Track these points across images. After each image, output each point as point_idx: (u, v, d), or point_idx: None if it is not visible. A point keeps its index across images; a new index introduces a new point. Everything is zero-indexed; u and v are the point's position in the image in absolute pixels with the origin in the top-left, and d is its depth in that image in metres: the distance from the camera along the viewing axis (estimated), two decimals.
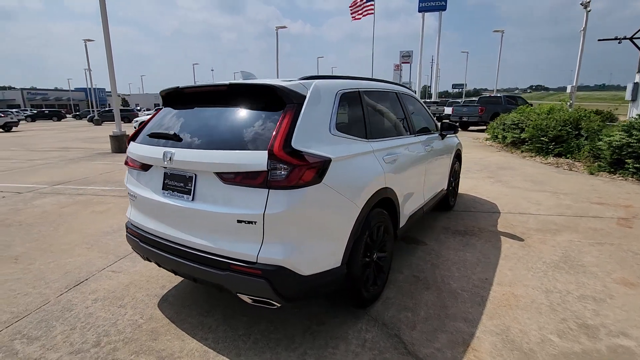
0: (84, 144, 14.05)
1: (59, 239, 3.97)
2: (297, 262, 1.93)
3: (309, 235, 1.98)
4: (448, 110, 19.57)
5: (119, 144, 11.54)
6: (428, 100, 27.74)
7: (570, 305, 2.57)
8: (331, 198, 2.04)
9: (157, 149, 2.24)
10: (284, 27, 28.09)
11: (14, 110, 39.29)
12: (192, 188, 2.08)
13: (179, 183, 2.15)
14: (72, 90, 75.84)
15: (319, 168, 1.96)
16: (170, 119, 2.44)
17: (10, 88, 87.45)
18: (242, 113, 2.13)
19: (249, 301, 2.03)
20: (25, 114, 40.53)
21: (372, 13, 28.85)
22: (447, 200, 4.62)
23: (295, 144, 1.92)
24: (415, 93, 5.43)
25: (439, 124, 4.14)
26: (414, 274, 3.10)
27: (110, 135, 11.65)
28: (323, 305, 2.60)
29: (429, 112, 4.14)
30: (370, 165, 2.43)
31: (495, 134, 12.17)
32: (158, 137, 2.34)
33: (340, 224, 2.13)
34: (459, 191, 5.75)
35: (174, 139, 2.21)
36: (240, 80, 2.22)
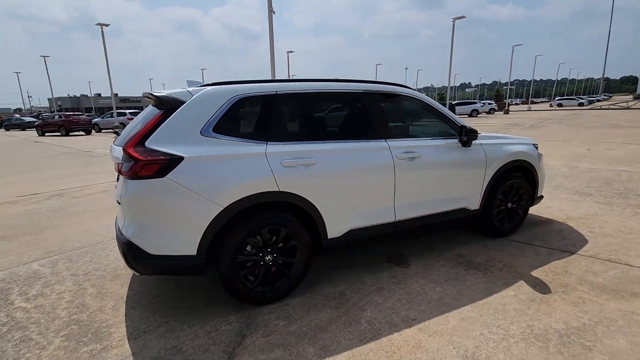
0: None
1: None
2: (142, 241, 2.30)
3: (154, 221, 2.30)
4: None
5: None
6: None
7: None
8: (178, 193, 2.28)
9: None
10: (462, 17, 25.80)
11: None
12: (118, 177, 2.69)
13: None
14: None
15: (162, 165, 2.24)
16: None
17: None
18: (148, 117, 2.60)
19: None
20: None
21: None
22: (488, 223, 3.70)
23: (150, 143, 2.28)
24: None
25: (461, 128, 3.37)
26: (332, 293, 2.83)
27: None
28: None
29: (448, 115, 3.43)
30: (251, 167, 2.45)
31: None
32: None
33: (191, 218, 2.32)
34: (550, 216, 4.38)
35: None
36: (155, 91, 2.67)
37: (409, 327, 2.36)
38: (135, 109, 32.69)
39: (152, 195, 2.27)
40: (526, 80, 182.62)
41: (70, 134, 23.64)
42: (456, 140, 3.34)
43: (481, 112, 34.08)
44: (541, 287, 2.81)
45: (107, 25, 22.84)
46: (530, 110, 41.78)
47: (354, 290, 2.85)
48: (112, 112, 25.09)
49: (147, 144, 2.28)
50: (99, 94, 71.47)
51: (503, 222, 3.84)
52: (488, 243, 3.72)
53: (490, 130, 17.07)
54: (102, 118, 26.75)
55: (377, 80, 3.33)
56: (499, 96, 63.65)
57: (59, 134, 23.51)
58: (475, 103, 34.85)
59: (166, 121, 2.35)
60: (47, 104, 72.06)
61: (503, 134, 4.26)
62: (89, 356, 2.17)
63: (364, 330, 2.34)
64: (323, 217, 2.74)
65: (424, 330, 2.32)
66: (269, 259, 2.62)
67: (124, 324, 2.48)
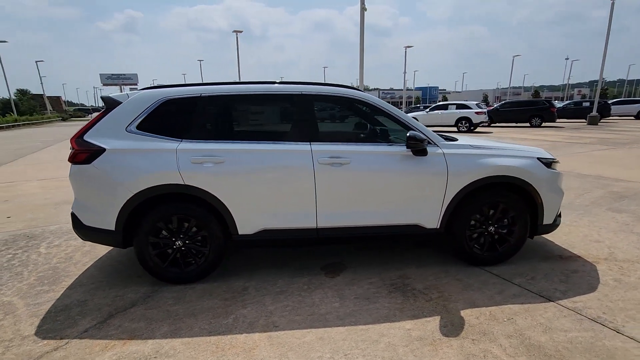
0: None
1: None
2: (79, 213, 2.90)
3: (86, 198, 2.87)
4: None
5: None
6: None
7: None
8: (100, 177, 2.78)
9: None
10: None
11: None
12: None
13: None
14: (412, 90, 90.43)
15: (88, 154, 2.77)
16: None
17: (371, 89, 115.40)
18: None
19: None
20: None
21: None
22: (457, 246, 3.19)
23: (89, 137, 2.85)
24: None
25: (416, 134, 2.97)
26: (237, 287, 2.93)
27: None
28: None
29: (403, 120, 3.08)
30: (160, 161, 2.77)
31: None
32: None
33: (109, 199, 2.80)
34: (582, 252, 3.48)
35: None
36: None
37: (262, 332, 2.35)
38: None
39: (83, 177, 2.84)
40: None
41: None
42: (403, 148, 2.98)
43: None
44: (451, 329, 2.36)
45: (241, 31, 26.36)
46: None
47: (257, 289, 2.93)
48: None
49: (85, 136, 2.85)
50: None
51: (482, 248, 3.23)
52: (453, 269, 3.21)
53: None
54: None
55: (326, 82, 3.23)
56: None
57: None
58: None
59: (102, 119, 2.88)
60: None
61: (501, 142, 3.54)
62: (36, 292, 2.89)
63: (224, 324, 2.45)
64: (232, 213, 2.89)
65: (271, 338, 2.29)
66: (179, 245, 2.93)
67: (76, 277, 3.16)
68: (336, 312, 2.57)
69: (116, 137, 2.84)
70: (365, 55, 13.63)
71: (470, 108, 18.32)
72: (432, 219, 3.09)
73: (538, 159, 3.21)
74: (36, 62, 49.30)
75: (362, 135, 3.23)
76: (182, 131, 2.90)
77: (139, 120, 2.87)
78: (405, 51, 36.36)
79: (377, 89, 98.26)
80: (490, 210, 3.17)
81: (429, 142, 3.05)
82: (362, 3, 13.10)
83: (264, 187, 2.89)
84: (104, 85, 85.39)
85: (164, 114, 2.94)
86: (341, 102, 3.16)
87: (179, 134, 2.89)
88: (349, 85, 3.24)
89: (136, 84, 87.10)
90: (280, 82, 3.09)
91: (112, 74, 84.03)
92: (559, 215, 3.53)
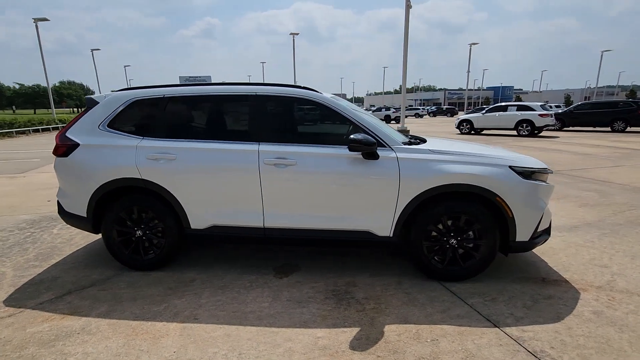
0: None
1: None
2: (61, 200, 3.30)
3: (65, 187, 3.25)
4: None
5: None
6: None
7: None
8: (74, 168, 3.13)
9: None
10: None
11: (419, 107, 50.88)
12: None
13: None
14: (483, 89, 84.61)
15: (65, 148, 3.13)
16: None
17: (437, 89, 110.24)
18: None
19: None
20: (428, 110, 51.30)
21: None
22: (413, 257, 2.99)
23: (69, 133, 3.21)
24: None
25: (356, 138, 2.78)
26: (187, 277, 3.06)
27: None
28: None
29: (359, 122, 2.97)
30: (121, 156, 3.02)
31: None
32: None
33: (80, 188, 3.12)
34: (575, 276, 3.07)
35: None
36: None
37: (180, 323, 2.46)
38: None
39: (62, 168, 3.21)
40: None
41: None
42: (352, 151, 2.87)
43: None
44: (363, 343, 2.24)
45: (297, 34, 27.03)
46: None
47: (203, 282, 3.05)
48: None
49: (67, 133, 3.22)
50: None
51: (443, 262, 2.99)
52: (408, 282, 3.02)
53: None
54: None
55: (284, 83, 3.24)
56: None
57: None
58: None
59: (82, 117, 3.23)
60: None
61: (482, 148, 3.22)
62: (28, 266, 3.35)
63: (154, 311, 2.61)
64: (184, 208, 3.06)
65: (184, 330, 2.38)
66: (140, 234, 3.18)
67: (64, 257, 3.58)
68: (260, 312, 2.58)
69: (90, 134, 3.17)
70: (434, 53, 13.32)
71: (533, 110, 16.65)
72: (383, 227, 2.94)
73: (510, 167, 2.86)
74: (124, 66, 55.65)
75: (312, 136, 3.18)
76: (144, 130, 3.13)
77: (110, 119, 3.17)
78: (470, 48, 34.07)
79: (444, 89, 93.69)
80: (451, 222, 2.92)
81: (382, 145, 2.91)
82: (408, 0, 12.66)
83: (213, 184, 3.01)
84: None
85: (130, 113, 3.20)
86: (294, 102, 3.14)
87: (141, 132, 3.13)
88: (304, 86, 3.20)
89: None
90: (239, 83, 3.18)
91: (190, 77, 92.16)
92: (547, 233, 3.12)
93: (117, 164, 3.04)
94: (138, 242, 3.20)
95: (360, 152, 2.84)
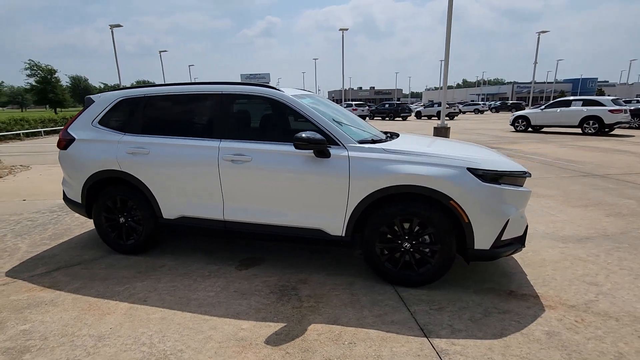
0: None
1: None
2: (64, 188, 3.76)
3: (66, 177, 3.69)
4: None
5: (438, 134, 12.92)
6: None
7: None
8: (71, 160, 3.54)
9: None
10: None
11: (480, 102, 47.52)
12: None
13: None
14: (558, 82, 76.60)
15: (65, 143, 3.56)
16: None
17: (505, 83, 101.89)
18: None
19: None
20: (491, 106, 47.82)
21: None
22: (367, 258, 2.94)
23: (70, 129, 3.64)
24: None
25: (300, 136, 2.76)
26: (156, 264, 3.30)
27: (434, 127, 13.24)
28: None
29: (314, 121, 2.96)
30: (105, 150, 3.36)
31: None
32: None
33: (76, 177, 3.53)
34: (553, 294, 2.82)
35: None
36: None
37: (130, 303, 2.70)
38: (386, 101, 38.51)
39: (63, 160, 3.65)
40: None
41: None
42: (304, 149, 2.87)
43: None
44: (280, 338, 2.28)
45: (347, 29, 26.87)
46: None
47: (170, 268, 3.28)
48: (343, 104, 29.81)
49: (68, 129, 3.66)
50: (360, 87, 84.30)
51: (396, 266, 2.88)
52: (360, 283, 2.96)
53: None
54: None
55: (249, 82, 3.33)
56: None
57: None
58: None
59: (80, 115, 3.64)
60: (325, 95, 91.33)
61: (443, 147, 3.01)
62: (40, 244, 3.87)
63: (114, 290, 2.88)
64: (157, 199, 3.31)
65: (130, 310, 2.61)
66: (122, 221, 3.51)
67: (71, 238, 4.07)
68: (203, 300, 2.73)
69: (85, 129, 3.56)
70: (502, 44, 12.40)
71: (602, 105, 14.79)
72: (336, 226, 2.91)
73: (469, 169, 2.66)
74: (189, 66, 59.85)
75: (270, 133, 3.22)
76: (126, 126, 3.44)
77: (100, 116, 3.53)
78: (539, 37, 30.84)
79: (513, 82, 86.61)
80: (405, 224, 2.80)
81: (335, 144, 2.88)
82: None
83: (180, 178, 3.22)
84: None
85: (117, 111, 3.53)
86: (253, 100, 3.22)
87: (123, 128, 3.44)
88: (265, 84, 3.26)
89: (268, 83, 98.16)
90: (212, 83, 3.34)
91: (250, 74, 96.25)
92: (520, 242, 2.85)
93: (102, 158, 3.39)
94: (121, 228, 3.54)
95: (312, 150, 2.84)
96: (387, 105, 31.40)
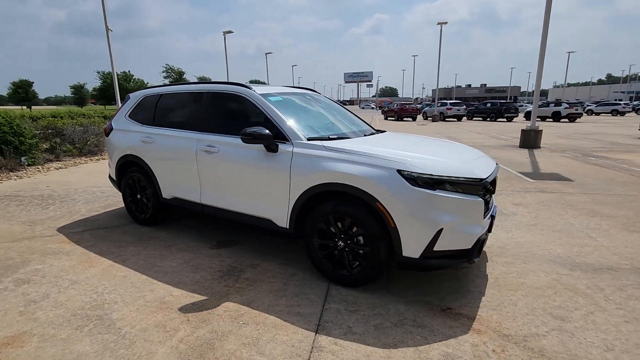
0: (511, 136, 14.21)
1: None
2: (109, 169, 4.71)
3: (109, 159, 4.61)
4: None
5: (526, 138, 11.42)
6: None
7: None
8: (110, 144, 4.42)
9: None
10: None
11: (620, 102, 39.24)
12: None
13: None
14: None
15: (108, 131, 4.46)
16: None
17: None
18: None
19: None
20: (636, 106, 39.30)
21: None
22: (309, 256, 3.02)
23: (112, 120, 4.55)
24: None
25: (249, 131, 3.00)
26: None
27: (522, 130, 11.70)
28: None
29: (271, 117, 3.15)
30: (128, 138, 4.11)
31: None
32: None
33: (112, 158, 4.39)
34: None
35: None
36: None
37: (112, 261, 3.31)
38: (498, 100, 35.60)
39: (107, 145, 4.58)
40: None
41: (402, 119, 29.26)
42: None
43: None
44: (195, 308, 2.58)
45: (445, 22, 25.27)
46: None
47: (163, 239, 3.85)
48: (437, 102, 28.20)
49: (112, 120, 4.57)
50: (469, 85, 77.67)
51: (333, 262, 2.90)
52: (301, 276, 3.06)
53: None
54: (430, 107, 30.65)
55: (229, 81, 3.69)
56: None
57: (393, 118, 29.72)
58: None
59: (121, 109, 4.51)
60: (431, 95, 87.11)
61: (394, 147, 2.89)
62: (94, 210, 4.92)
63: (112, 251, 3.56)
64: (158, 181, 3.94)
65: (109, 266, 3.22)
66: (138, 197, 4.25)
67: (111, 209, 5.04)
68: (162, 268, 3.20)
69: (120, 121, 4.41)
70: None
71: None
72: (281, 218, 3.07)
73: (399, 171, 2.52)
74: (292, 66, 63.57)
75: (237, 128, 3.46)
76: (143, 119, 4.15)
77: (130, 111, 4.33)
78: None
79: None
80: (338, 223, 2.80)
81: (285, 139, 3.02)
82: None
83: (172, 164, 3.77)
84: (345, 82, 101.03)
85: (141, 107, 4.27)
86: (226, 97, 3.53)
87: (142, 121, 4.16)
88: (238, 82, 3.54)
89: (370, 81, 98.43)
90: (207, 82, 3.81)
91: (353, 73, 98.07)
92: (467, 257, 2.59)
93: (126, 144, 4.18)
94: (138, 203, 4.29)
95: (262, 145, 3.05)
96: (488, 105, 28.43)
